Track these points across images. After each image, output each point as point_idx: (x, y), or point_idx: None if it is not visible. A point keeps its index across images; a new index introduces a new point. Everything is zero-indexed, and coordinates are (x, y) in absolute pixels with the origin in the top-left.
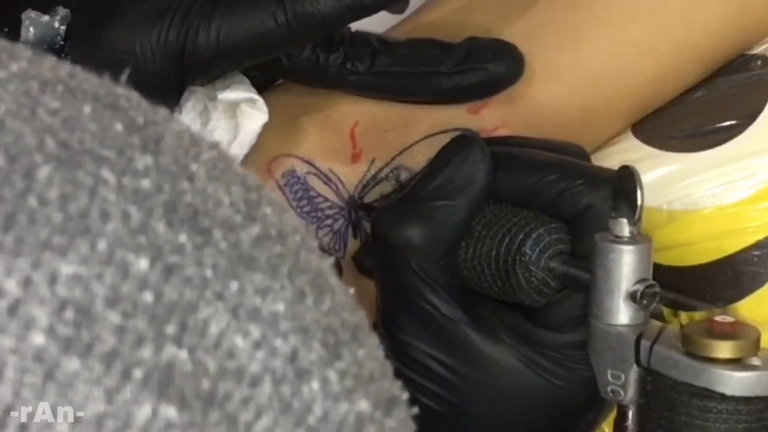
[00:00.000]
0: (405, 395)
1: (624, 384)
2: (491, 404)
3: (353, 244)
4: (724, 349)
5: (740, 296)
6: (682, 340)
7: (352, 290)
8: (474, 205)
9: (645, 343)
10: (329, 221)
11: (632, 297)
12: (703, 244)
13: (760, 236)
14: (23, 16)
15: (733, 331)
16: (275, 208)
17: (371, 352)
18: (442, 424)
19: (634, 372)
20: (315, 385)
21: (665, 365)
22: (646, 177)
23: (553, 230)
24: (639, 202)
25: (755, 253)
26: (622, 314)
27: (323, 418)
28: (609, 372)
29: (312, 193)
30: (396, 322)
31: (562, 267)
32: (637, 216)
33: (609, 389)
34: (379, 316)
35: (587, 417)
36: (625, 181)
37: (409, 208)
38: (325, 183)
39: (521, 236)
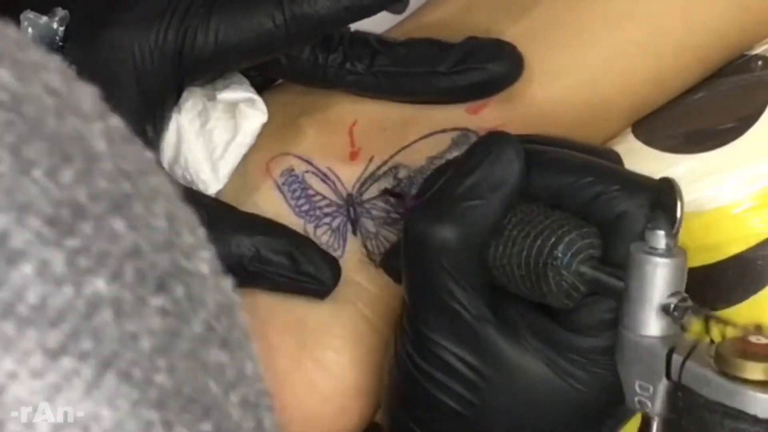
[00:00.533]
0: (203, 268)
1: (652, 396)
2: (513, 407)
3: (352, 242)
4: (757, 371)
5: (742, 298)
6: (716, 359)
7: (149, 155)
8: (507, 204)
9: (677, 358)
10: (327, 219)
11: (665, 310)
12: (704, 246)
13: (761, 238)
14: (22, 17)
15: (767, 353)
16: (16, 72)
17: (145, 221)
18: (463, 425)
19: (663, 385)
20: (27, 269)
21: (697, 382)
22: None
23: (586, 234)
24: (679, 216)
25: (757, 254)
26: (654, 326)
27: (39, 305)
28: (637, 383)
29: (310, 192)
30: (423, 318)
31: (593, 273)
32: (675, 229)
33: (636, 400)
34: (404, 311)
35: (607, 423)
36: (665, 193)
37: (443, 208)
38: (324, 181)
39: (553, 239)
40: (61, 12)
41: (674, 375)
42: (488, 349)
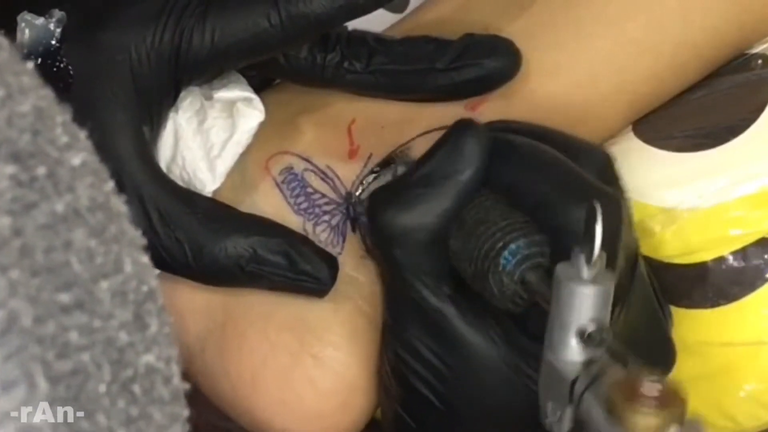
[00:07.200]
0: (74, 161)
1: (559, 421)
2: (477, 398)
3: (351, 239)
4: (644, 419)
5: (742, 294)
6: (606, 399)
7: (32, 71)
8: (461, 193)
9: (579, 387)
10: (326, 217)
11: (579, 335)
12: (704, 243)
13: (760, 235)
14: (19, 18)
15: (659, 400)
16: None
17: (5, 103)
18: (435, 412)
19: (568, 412)
20: None
21: (590, 418)
22: (648, 177)
23: (536, 243)
24: (596, 245)
25: (753, 254)
26: (568, 350)
27: None
28: (549, 405)
29: (309, 190)
30: (392, 305)
31: (537, 283)
32: (594, 259)
33: (548, 422)
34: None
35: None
36: (590, 219)
37: (395, 195)
38: (323, 179)
39: (501, 244)
40: (58, 13)
41: (575, 404)
42: (450, 338)
